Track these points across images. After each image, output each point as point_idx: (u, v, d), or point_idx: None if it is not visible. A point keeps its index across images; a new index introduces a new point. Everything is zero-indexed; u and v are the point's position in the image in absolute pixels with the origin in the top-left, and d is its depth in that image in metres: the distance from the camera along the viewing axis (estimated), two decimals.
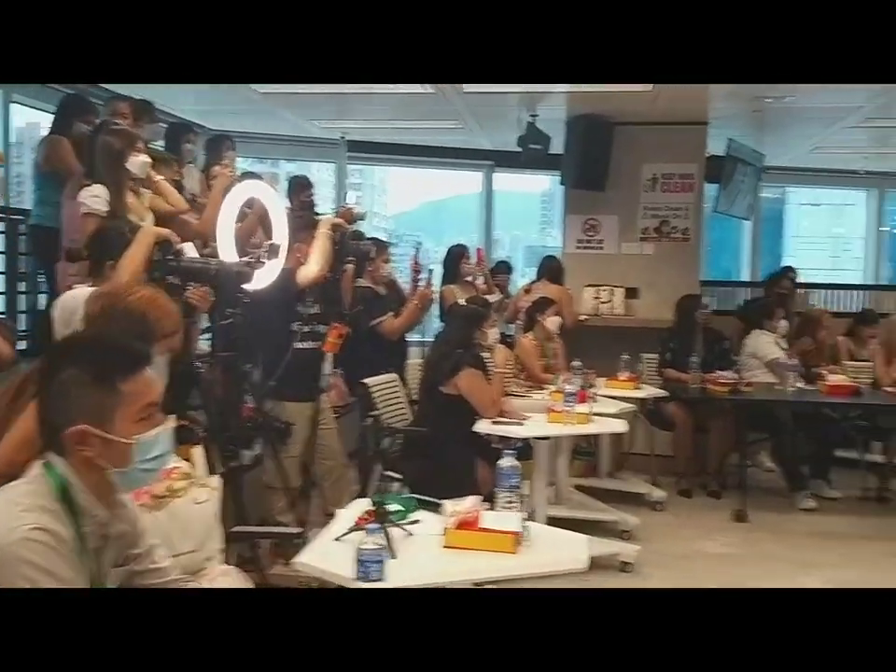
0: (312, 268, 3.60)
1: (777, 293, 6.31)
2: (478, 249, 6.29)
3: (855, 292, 7.86)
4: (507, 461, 2.39)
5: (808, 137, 7.41)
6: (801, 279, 7.56)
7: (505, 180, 8.76)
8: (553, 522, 3.90)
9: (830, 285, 8.20)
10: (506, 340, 5.37)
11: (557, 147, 6.18)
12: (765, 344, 5.56)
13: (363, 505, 2.43)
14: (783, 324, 5.64)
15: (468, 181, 8.77)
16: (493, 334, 4.33)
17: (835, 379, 5.08)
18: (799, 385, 5.17)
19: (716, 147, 6.81)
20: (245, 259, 3.09)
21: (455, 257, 5.70)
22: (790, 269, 7.28)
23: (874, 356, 5.54)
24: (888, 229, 10.62)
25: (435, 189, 11.82)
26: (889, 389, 5.18)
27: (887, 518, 4.99)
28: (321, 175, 8.29)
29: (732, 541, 4.49)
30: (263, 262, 3.08)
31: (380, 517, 2.20)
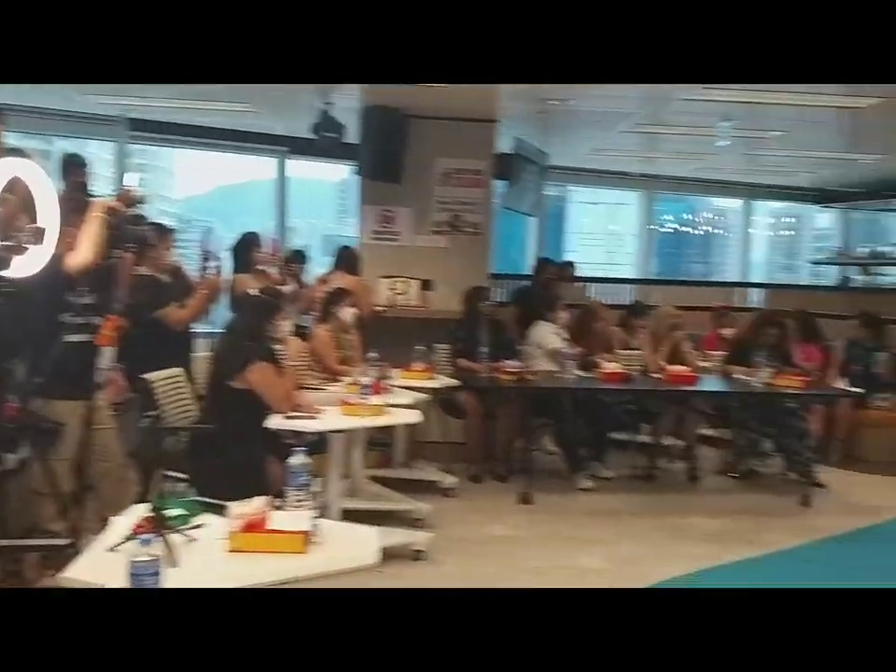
0: (82, 254, 3.31)
1: (546, 280, 6.73)
2: (272, 238, 6.13)
3: (627, 285, 8.47)
4: (296, 459, 2.34)
5: (588, 140, 7.90)
6: (581, 273, 8.06)
7: (303, 167, 8.63)
8: (349, 515, 3.89)
9: (605, 278, 8.78)
10: (301, 331, 5.28)
11: (356, 136, 6.16)
12: (547, 335, 5.86)
13: (141, 511, 2.28)
14: (564, 315, 5.97)
15: (264, 166, 8.53)
16: (285, 326, 4.23)
17: (609, 367, 5.45)
18: (578, 372, 5.50)
19: (505, 145, 7.08)
20: (3, 243, 2.79)
21: (247, 244, 5.51)
22: (568, 263, 7.76)
23: (643, 344, 6.00)
24: (656, 227, 11.59)
25: (229, 174, 11.38)
26: (656, 375, 5.63)
27: (654, 494, 5.44)
28: (100, 153, 7.71)
29: (518, 523, 4.70)
30: (26, 248, 2.79)
31: (159, 523, 2.07)
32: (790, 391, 5.39)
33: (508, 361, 5.39)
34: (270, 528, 2.15)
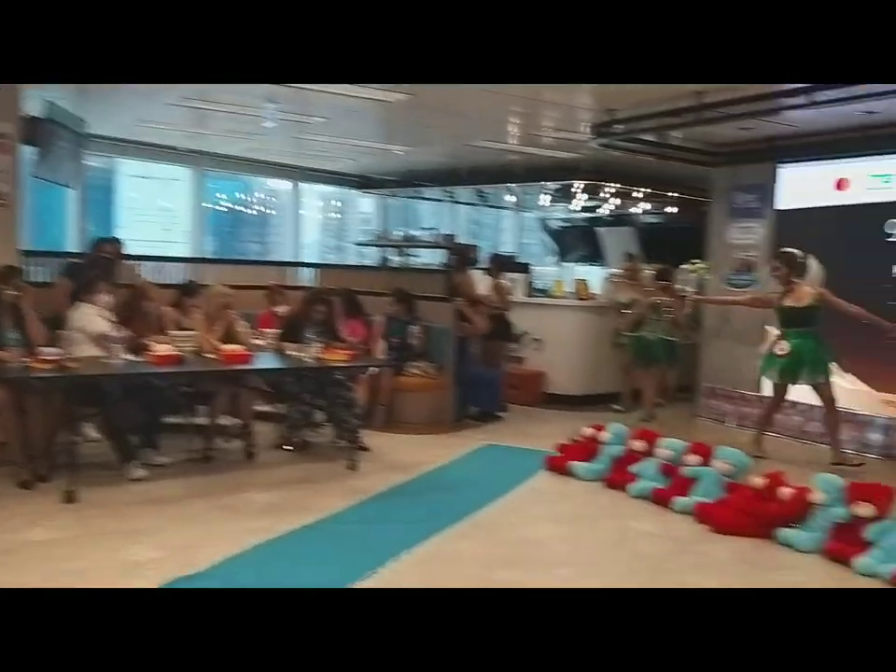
0: None
1: (98, 262, 6.28)
2: None
3: (182, 264, 8.24)
4: None
5: (131, 109, 7.48)
6: (132, 251, 7.62)
7: None
8: None
9: (159, 257, 8.43)
10: None
11: None
12: (91, 318, 5.45)
13: None
14: (105, 297, 5.61)
15: None
16: None
17: (160, 349, 5.24)
18: (126, 357, 5.20)
19: (36, 108, 6.38)
20: None
21: None
22: (115, 239, 7.29)
23: (196, 325, 5.89)
24: (210, 205, 11.47)
25: None
26: (210, 356, 5.58)
27: (211, 475, 5.38)
28: None
29: (62, 524, 4.30)
30: None
31: None
32: (338, 364, 5.76)
33: (45, 348, 4.89)
34: None
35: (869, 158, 6.69)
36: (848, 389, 6.17)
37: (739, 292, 7.27)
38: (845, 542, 4.22)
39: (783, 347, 5.96)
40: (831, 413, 6.07)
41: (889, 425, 6.44)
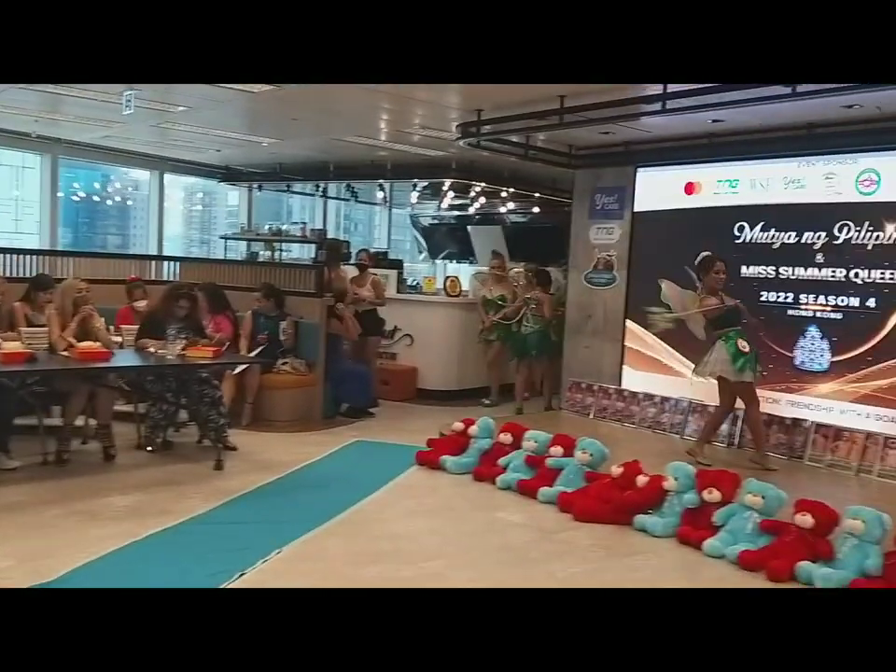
0: None
1: None
2: None
3: (34, 256, 7.77)
4: None
5: None
6: None
7: None
8: None
9: (8, 249, 7.93)
10: None
11: None
12: None
13: None
14: None
15: None
16: None
17: (9, 346, 4.95)
18: None
19: None
20: None
21: None
22: None
23: (49, 321, 5.58)
24: (63, 194, 10.86)
25: None
26: (64, 354, 5.30)
27: (67, 479, 5.11)
28: None
29: None
30: None
31: None
32: (202, 361, 5.60)
33: None
34: None
35: (716, 163, 7.12)
36: (699, 382, 6.52)
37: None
38: (695, 526, 4.50)
39: (744, 345, 5.77)
40: (756, 410, 5.97)
41: (733, 415, 6.88)
